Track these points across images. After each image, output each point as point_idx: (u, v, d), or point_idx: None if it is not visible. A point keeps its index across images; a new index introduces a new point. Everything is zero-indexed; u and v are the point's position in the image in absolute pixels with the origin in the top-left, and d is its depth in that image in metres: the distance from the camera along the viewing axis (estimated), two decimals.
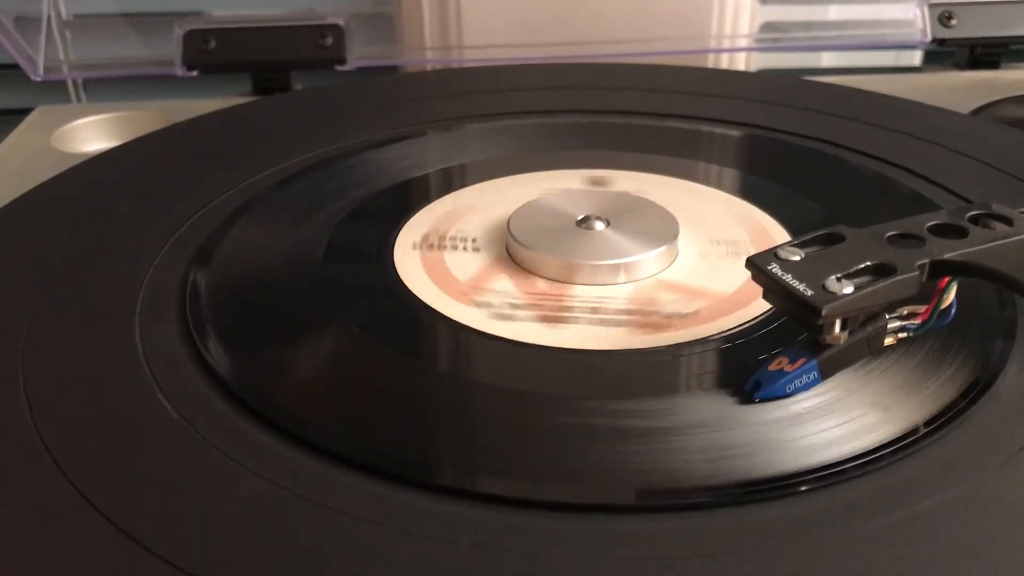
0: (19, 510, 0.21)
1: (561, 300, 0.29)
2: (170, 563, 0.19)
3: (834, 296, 0.22)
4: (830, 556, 0.20)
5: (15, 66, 0.54)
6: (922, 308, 0.25)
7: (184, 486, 0.22)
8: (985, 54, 0.56)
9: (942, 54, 0.61)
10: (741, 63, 0.61)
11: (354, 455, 0.22)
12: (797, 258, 0.24)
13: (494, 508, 0.21)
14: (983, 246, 0.24)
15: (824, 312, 0.22)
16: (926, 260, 0.23)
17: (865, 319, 0.24)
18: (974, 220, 0.25)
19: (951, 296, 0.24)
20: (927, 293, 0.24)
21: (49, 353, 0.27)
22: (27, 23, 0.52)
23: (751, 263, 0.24)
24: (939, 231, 0.24)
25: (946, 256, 0.23)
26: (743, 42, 0.58)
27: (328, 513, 0.21)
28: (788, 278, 0.23)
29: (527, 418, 0.24)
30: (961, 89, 0.52)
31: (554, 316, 0.28)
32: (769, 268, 0.23)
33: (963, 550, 0.20)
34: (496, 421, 0.24)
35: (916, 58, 0.70)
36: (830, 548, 0.20)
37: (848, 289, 0.22)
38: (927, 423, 0.24)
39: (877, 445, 0.23)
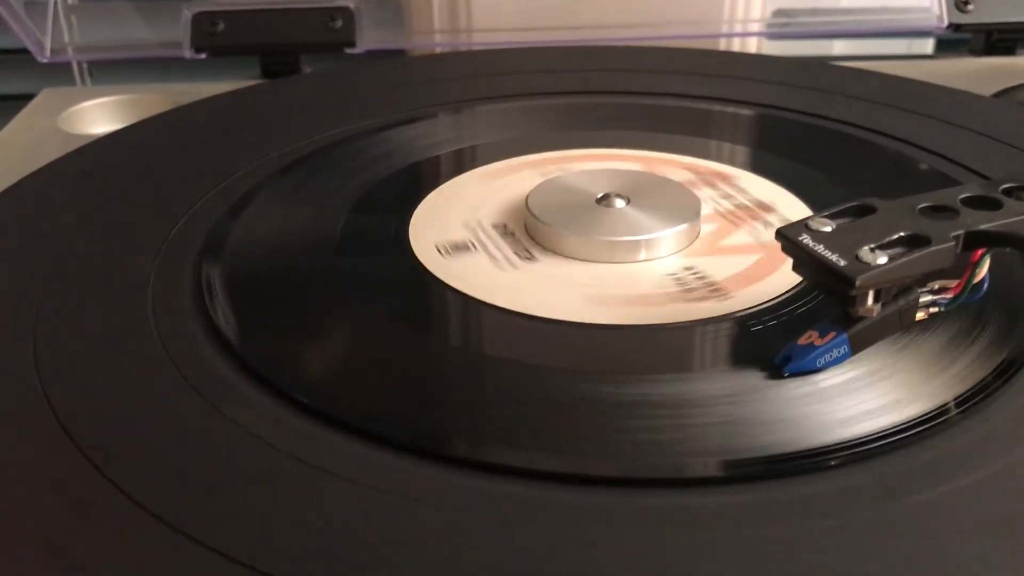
0: (34, 484, 0.21)
1: (582, 277, 0.28)
2: (197, 541, 0.19)
3: (868, 266, 0.22)
4: (858, 532, 0.19)
5: (22, 51, 0.53)
6: (954, 283, 0.24)
7: (201, 461, 0.21)
8: (1001, 40, 0.56)
9: (954, 43, 0.60)
10: (752, 49, 0.60)
11: (377, 430, 0.22)
12: (828, 229, 0.23)
13: (510, 481, 0.21)
14: (1018, 217, 0.23)
15: (858, 282, 0.21)
16: (961, 231, 0.23)
17: (897, 292, 0.23)
18: (1008, 192, 0.24)
19: (984, 270, 0.24)
20: (959, 268, 0.24)
21: (60, 329, 0.26)
22: (34, 6, 0.52)
23: (781, 234, 0.23)
24: (972, 203, 0.24)
25: (982, 227, 0.23)
26: (755, 27, 0.57)
27: (351, 487, 0.20)
28: (820, 249, 0.22)
29: (552, 393, 0.23)
30: (977, 75, 0.51)
31: (576, 292, 0.28)
32: (800, 239, 0.23)
33: (993, 530, 0.19)
34: (518, 395, 0.24)
35: (928, 46, 0.70)
36: (858, 524, 0.19)
37: (882, 260, 0.22)
38: (958, 401, 0.23)
39: (908, 421, 0.22)
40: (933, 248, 0.22)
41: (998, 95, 0.47)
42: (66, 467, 0.21)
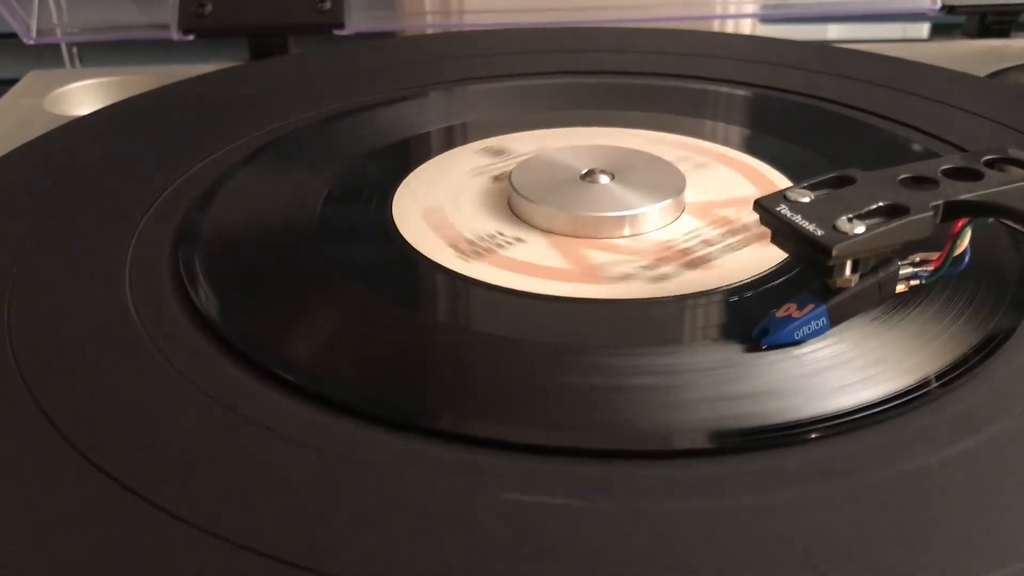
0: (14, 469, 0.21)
1: (566, 252, 0.28)
2: (176, 516, 0.19)
3: (845, 236, 0.21)
4: (837, 504, 0.19)
5: (11, 35, 0.53)
6: (934, 255, 0.24)
7: (175, 432, 0.21)
8: (995, 22, 0.55)
9: (949, 28, 0.60)
10: (746, 32, 0.60)
11: (355, 403, 0.22)
12: (807, 200, 0.23)
13: (493, 454, 0.20)
14: (999, 188, 0.23)
15: (835, 252, 0.21)
16: (940, 201, 0.22)
17: (876, 264, 0.23)
18: (989, 164, 0.24)
19: (965, 242, 0.24)
20: (940, 240, 0.24)
21: (37, 304, 0.26)
22: None
23: (759, 205, 0.23)
24: (953, 174, 0.24)
25: (962, 197, 0.22)
26: (749, 9, 0.57)
27: (335, 460, 0.20)
28: (798, 219, 0.22)
29: (540, 367, 0.23)
30: (971, 57, 0.51)
31: (559, 268, 0.27)
32: (778, 210, 0.22)
33: (970, 504, 0.19)
34: (503, 370, 0.23)
35: (923, 30, 0.69)
36: (838, 496, 0.19)
37: (860, 229, 0.22)
38: (939, 376, 0.23)
39: (887, 396, 0.22)
40: (911, 217, 0.22)
41: (992, 77, 0.47)
42: (47, 451, 0.21)
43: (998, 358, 0.23)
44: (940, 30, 0.69)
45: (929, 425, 0.21)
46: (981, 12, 0.56)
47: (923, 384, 0.22)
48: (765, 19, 0.60)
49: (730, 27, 0.58)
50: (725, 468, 0.20)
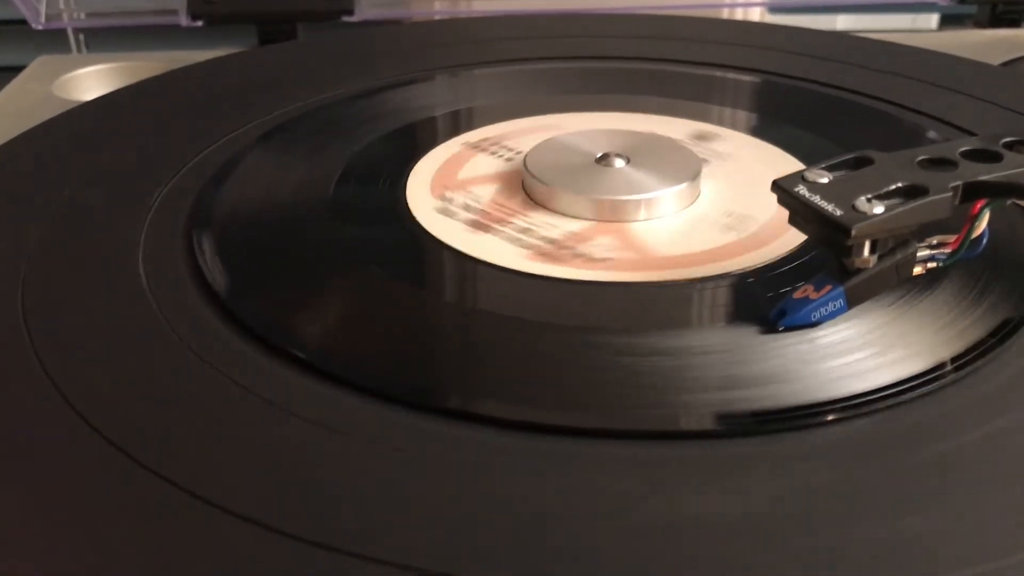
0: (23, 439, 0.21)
1: (583, 236, 0.28)
2: (183, 489, 0.19)
3: (864, 215, 0.21)
4: (854, 487, 0.19)
5: (15, 22, 0.53)
6: (952, 237, 0.24)
7: (188, 410, 0.21)
8: (1006, 12, 0.55)
9: (958, 19, 0.60)
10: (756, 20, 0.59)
11: (364, 381, 0.22)
12: (825, 180, 0.23)
13: (508, 434, 0.20)
14: (1018, 169, 0.23)
15: (854, 231, 0.21)
16: (959, 182, 0.22)
17: (895, 245, 0.23)
18: (1008, 146, 0.24)
19: (983, 224, 0.23)
20: (958, 223, 0.23)
21: (51, 285, 0.26)
22: None
23: (777, 185, 0.23)
24: (972, 156, 0.23)
25: (981, 178, 0.22)
26: None
27: (337, 437, 0.20)
28: (816, 199, 0.22)
29: (559, 349, 0.23)
30: (982, 47, 0.50)
31: (575, 250, 0.27)
32: (796, 190, 0.22)
33: (990, 488, 0.19)
34: (518, 350, 0.23)
35: (932, 21, 0.69)
36: (854, 478, 0.19)
37: (879, 209, 0.22)
38: (955, 360, 0.23)
39: (903, 379, 0.22)
40: (930, 198, 0.22)
41: (1004, 66, 0.47)
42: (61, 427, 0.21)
43: (1015, 342, 0.23)
44: (948, 21, 0.68)
45: (947, 409, 0.21)
46: (992, 2, 0.55)
47: (939, 368, 0.22)
48: (774, 8, 0.60)
49: (739, 16, 0.58)
50: (741, 449, 0.20)
